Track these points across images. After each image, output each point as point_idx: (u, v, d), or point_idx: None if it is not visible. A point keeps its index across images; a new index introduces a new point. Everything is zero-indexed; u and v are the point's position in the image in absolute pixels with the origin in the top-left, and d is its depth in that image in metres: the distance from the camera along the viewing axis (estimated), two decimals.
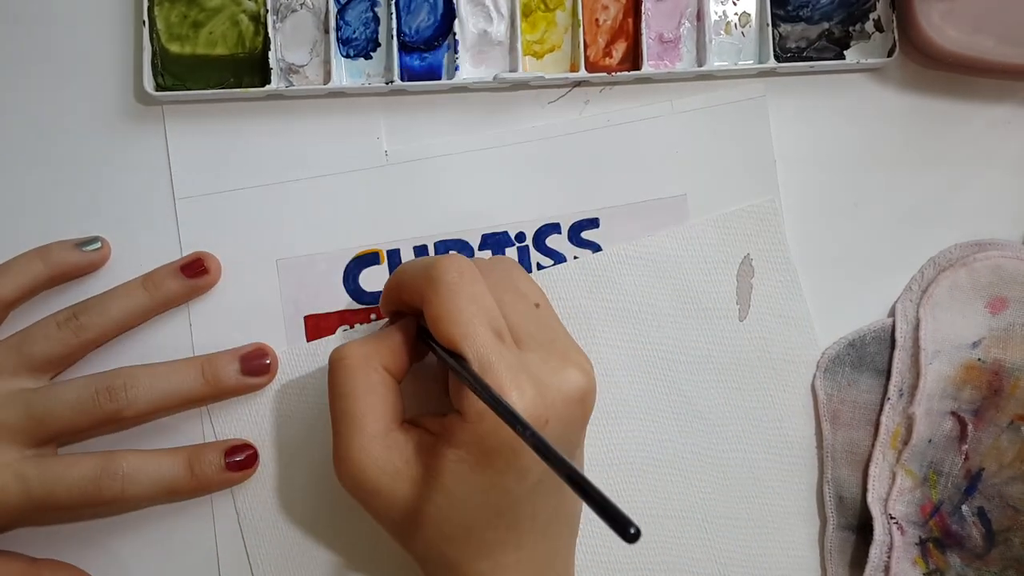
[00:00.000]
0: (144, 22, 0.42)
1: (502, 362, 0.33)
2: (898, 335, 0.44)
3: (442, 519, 0.34)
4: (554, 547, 0.37)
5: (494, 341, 0.33)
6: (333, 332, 0.43)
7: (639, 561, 0.43)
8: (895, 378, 0.43)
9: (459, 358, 0.33)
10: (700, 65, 0.44)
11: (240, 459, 0.41)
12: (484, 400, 0.31)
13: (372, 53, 0.43)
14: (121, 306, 0.41)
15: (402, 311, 0.38)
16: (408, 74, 0.43)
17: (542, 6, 0.44)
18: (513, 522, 0.35)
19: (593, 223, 0.44)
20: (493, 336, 0.33)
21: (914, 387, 0.43)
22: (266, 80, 0.42)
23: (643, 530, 0.42)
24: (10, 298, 0.40)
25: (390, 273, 0.43)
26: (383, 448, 0.35)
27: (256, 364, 0.41)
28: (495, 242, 0.43)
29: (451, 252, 0.35)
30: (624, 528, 0.25)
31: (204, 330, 0.42)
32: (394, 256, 0.43)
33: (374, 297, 0.43)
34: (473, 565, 0.35)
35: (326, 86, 0.42)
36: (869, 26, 0.44)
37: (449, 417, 0.34)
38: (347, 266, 0.43)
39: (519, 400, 0.32)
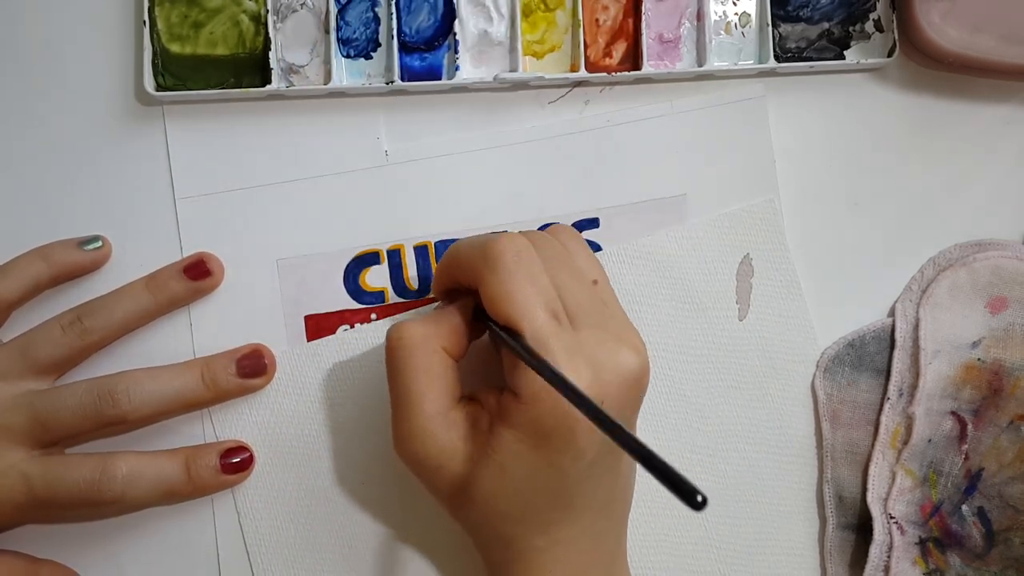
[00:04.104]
0: (144, 22, 0.42)
1: (558, 343, 0.33)
2: (898, 335, 0.44)
3: (498, 496, 0.35)
4: (609, 525, 0.37)
5: (551, 322, 0.33)
6: (333, 332, 0.43)
7: (639, 561, 0.43)
8: (895, 378, 0.43)
9: (516, 336, 0.33)
10: (700, 65, 0.44)
11: (236, 461, 0.41)
12: (543, 376, 0.31)
13: (372, 53, 0.43)
14: (125, 308, 0.41)
15: (456, 290, 0.38)
16: (408, 74, 0.43)
17: (542, 6, 0.44)
18: (569, 501, 0.35)
19: (593, 223, 0.44)
20: (550, 317, 0.34)
21: (914, 387, 0.43)
22: (266, 80, 0.42)
23: (641, 530, 0.43)
24: (12, 298, 0.40)
25: (390, 273, 0.43)
26: (442, 427, 0.35)
27: (253, 365, 0.41)
28: None
29: (506, 231, 0.36)
30: (691, 497, 0.24)
31: (204, 329, 0.42)
32: (394, 256, 0.43)
33: (374, 297, 0.43)
34: (529, 541, 0.35)
35: (326, 86, 0.42)
36: (869, 26, 0.44)
37: (504, 396, 0.34)
38: (347, 266, 0.43)
39: (576, 382, 0.32)
